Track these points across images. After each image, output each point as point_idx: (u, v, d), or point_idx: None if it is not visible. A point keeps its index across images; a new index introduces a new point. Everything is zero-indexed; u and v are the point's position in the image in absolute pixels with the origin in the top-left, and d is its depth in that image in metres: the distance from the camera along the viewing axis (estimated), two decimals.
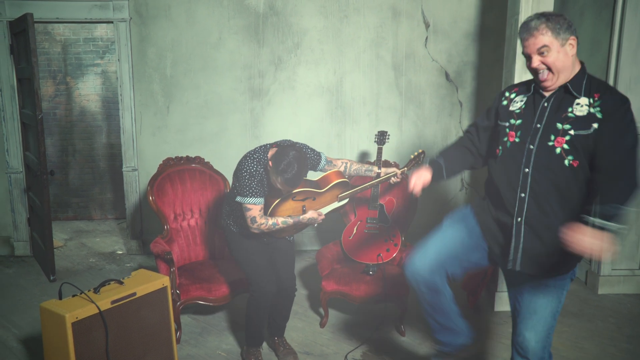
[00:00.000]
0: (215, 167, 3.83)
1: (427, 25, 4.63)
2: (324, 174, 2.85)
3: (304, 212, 2.76)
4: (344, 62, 4.64)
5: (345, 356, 3.05)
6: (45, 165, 3.99)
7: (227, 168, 4.26)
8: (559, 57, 1.96)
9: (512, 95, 2.19)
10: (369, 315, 3.54)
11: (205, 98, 4.61)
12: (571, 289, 3.94)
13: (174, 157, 3.70)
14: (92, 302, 2.40)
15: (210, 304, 3.22)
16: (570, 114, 1.99)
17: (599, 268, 3.88)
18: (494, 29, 4.62)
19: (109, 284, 2.59)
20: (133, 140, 4.61)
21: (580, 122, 1.96)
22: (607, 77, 3.74)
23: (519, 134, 2.10)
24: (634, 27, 3.61)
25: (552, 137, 2.01)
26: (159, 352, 2.70)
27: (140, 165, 4.66)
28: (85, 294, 2.47)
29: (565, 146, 1.98)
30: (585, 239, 1.82)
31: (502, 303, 3.55)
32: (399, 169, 2.85)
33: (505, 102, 2.21)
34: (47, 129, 5.75)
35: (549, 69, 1.99)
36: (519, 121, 2.12)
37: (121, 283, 2.61)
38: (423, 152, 2.96)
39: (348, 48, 4.61)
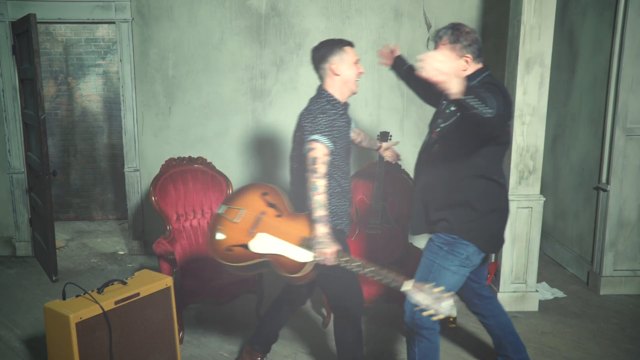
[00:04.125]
0: (218, 167, 3.83)
1: (429, 27, 4.63)
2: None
3: (258, 221, 2.39)
4: None
5: None
6: (47, 166, 3.99)
7: (229, 169, 4.28)
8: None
9: None
10: (372, 315, 3.54)
11: (207, 99, 4.61)
12: (573, 289, 3.94)
13: (176, 157, 3.71)
14: (96, 302, 2.41)
15: (213, 304, 3.22)
16: (447, 111, 2.35)
17: (600, 269, 3.88)
18: (496, 30, 4.63)
19: (113, 284, 2.59)
20: (135, 141, 4.61)
21: (448, 116, 2.34)
22: (610, 78, 3.74)
23: None
24: (637, 27, 3.60)
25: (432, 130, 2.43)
26: (162, 353, 2.70)
27: (142, 166, 4.66)
28: (88, 294, 2.47)
29: (435, 137, 2.39)
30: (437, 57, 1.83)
31: (504, 303, 3.55)
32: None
33: None
34: (48, 129, 5.74)
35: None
36: None
37: (125, 283, 2.61)
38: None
39: None
